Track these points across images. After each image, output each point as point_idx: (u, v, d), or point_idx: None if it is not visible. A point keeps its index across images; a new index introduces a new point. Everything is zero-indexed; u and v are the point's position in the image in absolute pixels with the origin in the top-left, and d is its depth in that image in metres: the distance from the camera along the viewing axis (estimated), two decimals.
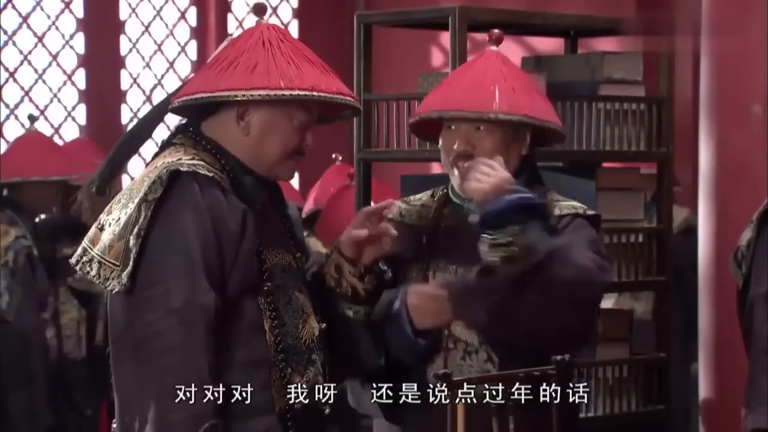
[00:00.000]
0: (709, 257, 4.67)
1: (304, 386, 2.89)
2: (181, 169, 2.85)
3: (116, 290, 2.81)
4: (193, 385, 2.74)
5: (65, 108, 7.92)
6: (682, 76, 5.68)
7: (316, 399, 2.91)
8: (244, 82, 2.89)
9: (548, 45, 5.33)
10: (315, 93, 2.89)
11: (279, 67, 2.90)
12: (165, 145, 2.99)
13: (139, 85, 8.14)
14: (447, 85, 3.33)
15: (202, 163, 2.89)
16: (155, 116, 3.06)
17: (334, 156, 5.73)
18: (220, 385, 2.79)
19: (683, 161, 5.20)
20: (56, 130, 7.83)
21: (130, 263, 2.79)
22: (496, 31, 3.30)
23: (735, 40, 4.49)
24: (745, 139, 4.48)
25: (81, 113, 7.94)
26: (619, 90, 4.47)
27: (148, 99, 8.10)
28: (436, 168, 5.61)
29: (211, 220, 2.83)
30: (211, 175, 2.88)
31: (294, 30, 8.27)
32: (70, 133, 7.87)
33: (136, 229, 2.81)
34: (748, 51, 4.46)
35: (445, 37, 4.19)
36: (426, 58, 6.56)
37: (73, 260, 2.88)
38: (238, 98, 2.88)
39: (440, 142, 3.27)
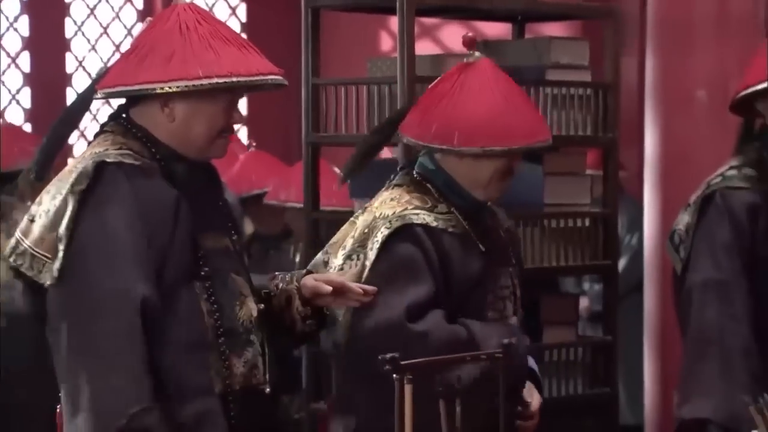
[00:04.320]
0: (654, 242, 4.72)
1: (243, 367, 2.91)
2: (107, 160, 2.88)
3: (48, 283, 2.82)
4: (124, 371, 2.77)
5: (9, 91, 7.86)
6: (628, 61, 5.73)
7: (256, 379, 2.94)
8: (161, 73, 2.90)
9: (495, 30, 5.35)
10: (234, 78, 2.90)
11: (196, 54, 2.90)
12: (97, 134, 3.00)
13: (84, 69, 8.08)
14: (505, 114, 3.09)
15: (129, 152, 2.91)
16: (83, 102, 3.07)
17: (248, 142, 5.71)
18: (159, 369, 2.81)
19: (629, 146, 5.24)
20: (0, 114, 7.77)
21: (60, 256, 2.81)
22: (470, 34, 3.29)
23: (680, 27, 4.53)
24: (690, 125, 4.53)
25: (25, 97, 7.88)
26: (565, 75, 4.49)
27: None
28: (385, 152, 5.62)
29: (138, 210, 2.84)
30: (138, 164, 2.89)
31: (242, 13, 8.24)
32: (15, 116, 7.80)
33: (65, 222, 2.83)
34: (693, 37, 4.50)
35: (394, 22, 4.20)
36: (374, 42, 6.56)
37: (6, 252, 2.90)
38: (155, 91, 2.89)
39: (477, 165, 3.13)
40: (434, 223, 3.04)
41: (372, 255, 3.02)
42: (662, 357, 4.61)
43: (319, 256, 3.16)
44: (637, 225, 5.82)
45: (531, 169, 4.50)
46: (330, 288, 3.01)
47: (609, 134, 4.56)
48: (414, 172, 3.20)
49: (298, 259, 5.12)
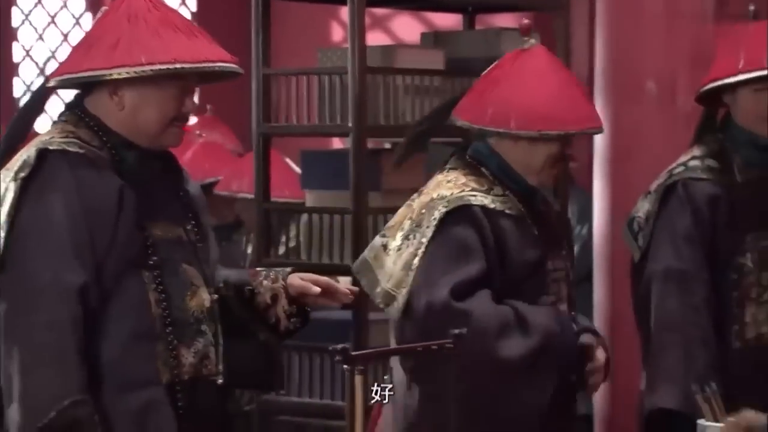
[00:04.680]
0: (604, 232, 4.75)
1: (193, 357, 2.90)
2: (50, 147, 2.86)
3: None
4: (56, 363, 2.76)
5: None
6: (578, 53, 5.75)
7: (207, 370, 2.93)
8: (105, 60, 2.88)
9: (447, 21, 5.36)
10: (178, 65, 2.88)
11: (141, 42, 2.88)
12: (54, 123, 2.99)
13: (31, 58, 8.01)
14: (560, 99, 3.08)
15: (76, 140, 2.89)
16: (41, 91, 3.06)
17: (198, 132, 5.69)
18: (102, 360, 2.81)
19: (579, 138, 5.24)
20: None
21: (1, 243, 2.80)
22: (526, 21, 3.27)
23: (629, 18, 4.55)
24: (639, 116, 4.55)
25: None
26: None
27: (41, 72, 7.98)
28: (336, 143, 5.62)
29: (80, 199, 2.83)
30: (82, 152, 2.87)
31: (192, 3, 8.20)
32: None
33: (5, 208, 2.82)
34: (642, 28, 4.53)
35: (345, 12, 4.19)
36: (325, 32, 6.55)
37: None
38: (99, 78, 2.88)
39: (531, 149, 3.11)
40: (492, 205, 3.04)
41: (429, 233, 3.01)
42: (611, 346, 4.63)
43: (377, 239, 3.14)
44: (587, 215, 5.84)
45: None
46: (318, 289, 3.02)
47: None
48: (467, 156, 3.16)
49: (249, 250, 5.11)
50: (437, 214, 3.01)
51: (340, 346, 3.56)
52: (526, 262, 3.05)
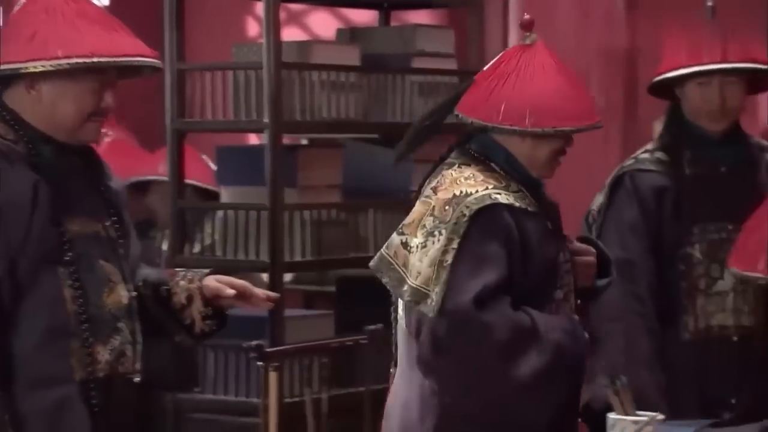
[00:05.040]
0: None
1: (109, 355, 2.89)
2: None
3: None
4: None
5: None
6: (493, 49, 5.77)
7: (124, 367, 2.91)
8: (22, 53, 2.85)
9: (362, 17, 5.36)
10: (95, 58, 2.85)
11: (58, 34, 2.85)
12: None
13: None
14: (571, 95, 3.05)
15: None
16: None
17: (104, 131, 5.62)
18: (14, 356, 2.77)
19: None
20: None
21: None
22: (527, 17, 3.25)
23: (541, 15, 4.58)
24: None
25: None
26: (431, 63, 4.52)
27: None
28: (252, 139, 5.59)
29: None
30: None
31: None
32: None
33: None
34: (555, 25, 4.56)
35: (260, 7, 4.18)
36: (240, 28, 6.53)
37: None
38: (15, 71, 2.85)
39: (537, 144, 3.06)
40: (516, 203, 3.00)
41: (460, 230, 2.95)
42: None
43: (395, 237, 3.03)
44: None
45: None
46: (232, 291, 2.99)
47: None
48: (471, 151, 3.10)
49: (165, 246, 5.07)
50: (467, 212, 2.94)
51: (254, 342, 3.56)
52: (546, 258, 3.01)
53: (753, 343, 3.42)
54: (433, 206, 2.98)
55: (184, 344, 3.12)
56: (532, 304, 2.93)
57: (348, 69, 4.34)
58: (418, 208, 3.03)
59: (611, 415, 2.71)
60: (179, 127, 4.35)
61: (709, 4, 3.57)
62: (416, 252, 2.93)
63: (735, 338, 3.44)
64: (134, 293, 2.98)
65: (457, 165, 3.06)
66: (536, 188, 3.06)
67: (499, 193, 2.96)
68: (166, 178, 4.47)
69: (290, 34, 5.46)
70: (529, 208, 2.99)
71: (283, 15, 4.11)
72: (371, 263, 3.06)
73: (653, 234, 3.46)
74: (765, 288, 3.28)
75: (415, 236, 2.96)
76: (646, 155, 3.55)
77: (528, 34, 3.09)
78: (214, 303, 3.02)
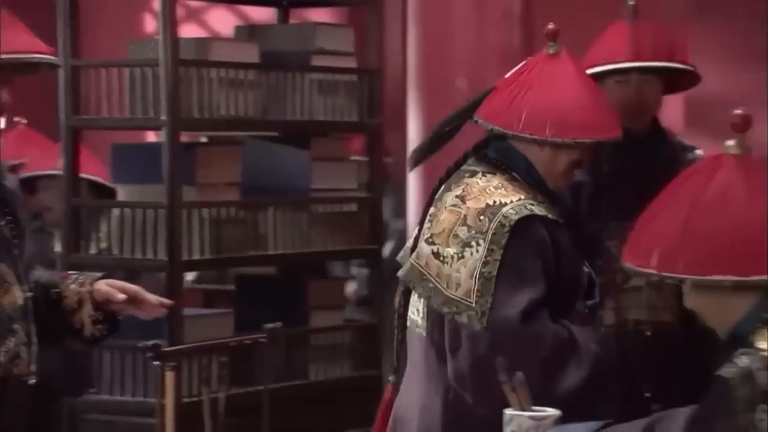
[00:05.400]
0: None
1: (3, 357, 2.84)
2: None
3: None
4: None
5: None
6: (393, 48, 5.79)
7: (18, 369, 2.87)
8: None
9: (261, 14, 5.34)
10: None
11: None
12: None
13: None
14: (592, 106, 3.05)
15: None
16: None
17: (16, 119, 5.52)
18: None
19: (394, 132, 5.29)
20: None
21: None
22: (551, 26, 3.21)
23: (439, 16, 4.60)
24: (450, 112, 4.60)
25: None
26: (330, 61, 4.52)
27: None
28: (150, 136, 5.54)
29: None
30: None
31: None
32: None
33: None
34: (452, 26, 4.58)
35: (157, 3, 4.14)
36: (138, 24, 6.47)
37: None
38: None
39: (556, 155, 3.05)
40: (549, 215, 2.98)
41: (502, 241, 2.87)
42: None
43: (425, 246, 2.94)
44: (403, 210, 5.90)
45: (297, 154, 4.51)
46: (123, 296, 2.95)
47: (374, 120, 4.60)
48: (491, 158, 3.07)
49: (58, 247, 4.99)
50: (506, 222, 2.88)
51: (151, 342, 3.52)
52: (574, 270, 3.02)
53: (667, 338, 3.47)
54: (465, 215, 2.92)
55: (75, 348, 3.08)
56: (560, 315, 2.91)
57: (247, 66, 4.31)
58: (446, 216, 2.95)
59: (508, 411, 2.72)
60: (74, 124, 4.29)
61: (631, 2, 3.61)
62: (453, 262, 2.88)
63: (649, 333, 3.49)
64: (29, 294, 2.94)
65: (480, 173, 3.01)
66: (553, 198, 3.05)
67: (533, 204, 2.94)
68: (60, 172, 4.39)
69: (188, 30, 5.43)
70: (559, 219, 2.98)
71: (181, 12, 4.08)
72: (401, 273, 3.01)
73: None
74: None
75: (448, 246, 2.90)
76: None
77: (552, 43, 3.06)
78: (104, 308, 2.98)
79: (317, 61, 4.49)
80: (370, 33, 4.55)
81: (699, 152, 3.58)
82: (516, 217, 2.88)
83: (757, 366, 2.16)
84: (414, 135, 4.73)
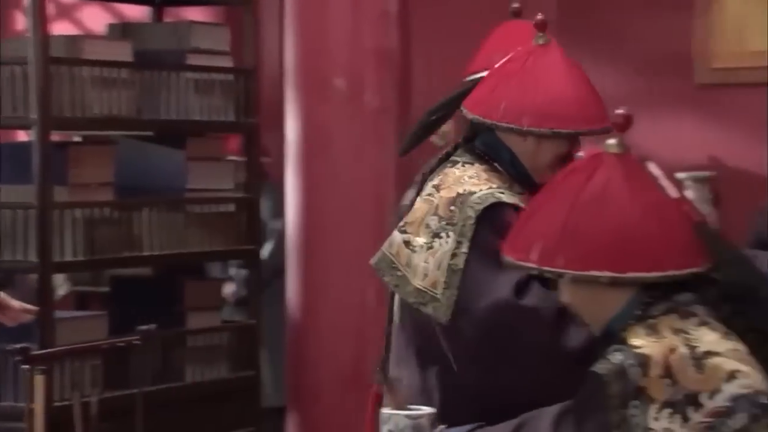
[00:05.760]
0: (297, 226, 4.77)
1: None
2: None
3: None
4: None
5: None
6: (270, 48, 5.76)
7: None
8: None
9: (134, 12, 5.28)
10: None
11: None
12: None
13: None
14: (574, 98, 3.00)
15: None
16: None
17: None
18: None
19: (272, 132, 5.27)
20: None
21: None
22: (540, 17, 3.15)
23: (316, 14, 4.59)
24: (328, 111, 4.60)
25: None
26: (206, 60, 4.48)
27: None
28: (21, 135, 5.43)
29: None
30: None
31: None
32: None
33: None
34: (329, 25, 4.57)
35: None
36: (7, 21, 6.35)
37: None
38: None
39: (539, 147, 3.00)
40: (520, 204, 2.92)
41: (468, 233, 2.84)
42: (302, 339, 4.67)
43: (397, 234, 2.94)
44: (281, 210, 5.88)
45: (172, 154, 4.46)
46: None
47: (250, 120, 4.58)
48: (477, 150, 3.03)
49: None
50: (472, 213, 2.88)
51: (19, 345, 3.44)
52: None
53: None
54: (437, 205, 2.91)
55: None
56: None
57: (120, 65, 4.26)
58: (420, 206, 2.96)
59: (385, 411, 2.72)
60: None
61: (516, 5, 3.64)
62: (421, 252, 2.87)
63: None
64: None
65: (460, 163, 3.00)
66: (536, 190, 2.93)
67: (503, 193, 2.91)
68: None
69: (60, 28, 5.33)
70: None
71: (52, 9, 4.01)
72: (372, 260, 2.98)
73: None
74: None
75: (418, 235, 2.89)
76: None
77: (540, 34, 3.02)
78: None
79: (192, 60, 4.45)
80: (246, 32, 4.52)
81: (580, 153, 3.62)
82: (481, 207, 2.87)
83: (630, 362, 2.18)
84: (292, 135, 4.71)
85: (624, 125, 2.37)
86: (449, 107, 3.16)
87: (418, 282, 2.89)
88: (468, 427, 2.61)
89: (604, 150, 2.39)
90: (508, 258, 2.39)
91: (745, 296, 2.25)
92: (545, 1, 4.64)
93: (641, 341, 2.20)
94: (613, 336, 2.27)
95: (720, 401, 2.12)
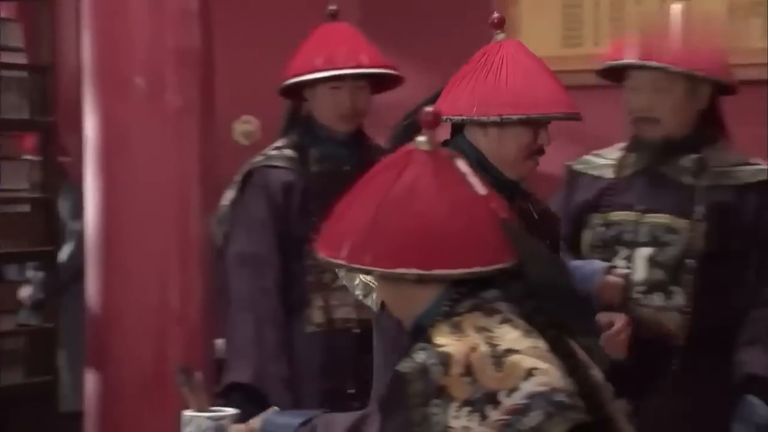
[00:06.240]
0: (97, 227, 4.69)
1: None
2: None
3: None
4: None
5: None
6: (68, 45, 5.65)
7: None
8: None
9: None
10: None
11: None
12: None
13: None
14: (526, 86, 2.99)
15: None
16: None
17: None
18: None
19: (71, 131, 5.17)
20: None
21: None
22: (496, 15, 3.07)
23: (115, 12, 4.52)
24: (128, 111, 4.53)
25: None
26: None
27: None
28: None
29: None
30: None
31: None
32: None
33: None
34: (128, 23, 4.51)
35: None
36: None
37: None
38: None
39: (501, 138, 2.99)
40: None
41: None
42: (103, 341, 4.60)
43: None
44: (80, 211, 5.77)
45: None
46: None
47: (47, 118, 4.49)
48: (449, 150, 2.99)
49: None
50: None
51: None
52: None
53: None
54: None
55: None
56: None
57: None
58: None
59: (186, 413, 2.69)
60: None
61: (332, 8, 3.66)
62: None
63: (357, 331, 3.55)
64: None
65: None
66: (510, 190, 2.99)
67: None
68: None
69: None
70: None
71: None
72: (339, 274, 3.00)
73: (281, 229, 3.54)
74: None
75: None
76: (275, 152, 3.63)
77: (498, 31, 3.03)
78: None
79: None
80: (41, 29, 4.42)
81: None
82: None
83: (432, 361, 2.20)
84: (91, 134, 4.61)
85: (433, 123, 2.39)
86: (416, 114, 3.17)
87: (362, 275, 2.89)
88: (311, 412, 2.57)
89: (414, 147, 2.38)
90: (320, 254, 2.38)
91: (547, 292, 2.28)
92: (349, 2, 4.67)
93: (444, 339, 2.22)
94: (422, 332, 2.29)
95: (517, 399, 2.14)
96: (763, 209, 3.31)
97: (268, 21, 5.29)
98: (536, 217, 3.09)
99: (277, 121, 3.82)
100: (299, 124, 3.66)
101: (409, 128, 3.27)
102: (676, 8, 3.46)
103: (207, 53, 4.64)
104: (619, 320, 3.18)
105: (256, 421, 2.54)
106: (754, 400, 3.22)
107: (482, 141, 2.99)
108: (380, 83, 3.70)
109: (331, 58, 3.57)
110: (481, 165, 2.99)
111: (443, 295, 2.30)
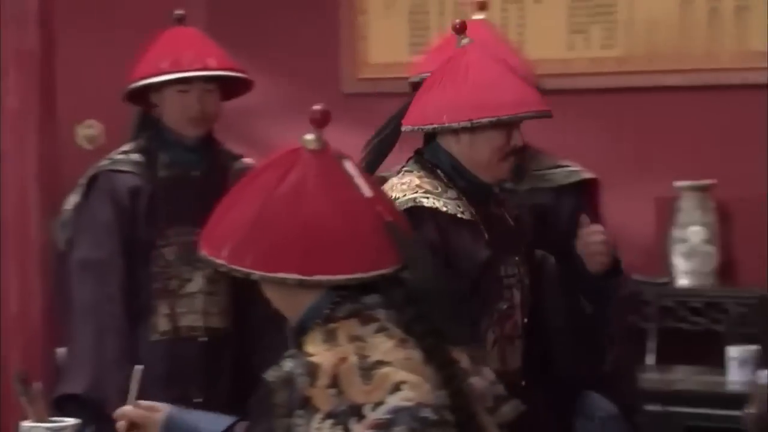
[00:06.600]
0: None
1: None
2: None
3: None
4: None
5: None
6: None
7: None
8: None
9: None
10: None
11: None
12: None
13: None
14: (492, 88, 2.97)
15: None
16: None
17: None
18: None
19: None
20: None
21: None
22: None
23: None
24: None
25: None
26: None
27: None
28: None
29: None
30: None
31: None
32: None
33: None
34: None
35: None
36: None
37: None
38: None
39: (473, 143, 2.98)
40: (444, 208, 2.92)
41: None
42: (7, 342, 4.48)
43: None
44: None
45: None
46: None
47: None
48: (424, 158, 3.02)
49: None
50: None
51: None
52: (476, 266, 2.94)
53: (220, 344, 3.50)
54: None
55: None
56: (475, 312, 2.89)
57: None
58: None
59: (24, 424, 2.63)
60: None
61: (179, 12, 3.62)
62: None
63: (203, 339, 3.50)
64: None
65: (403, 172, 3.02)
66: (484, 195, 3.00)
67: (427, 197, 2.93)
68: None
69: None
70: (461, 216, 2.94)
71: None
72: None
73: (127, 234, 3.47)
74: (233, 290, 3.44)
75: None
76: (121, 156, 3.55)
77: (460, 36, 3.03)
78: None
79: None
80: None
81: (248, 160, 3.65)
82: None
83: (298, 371, 2.15)
84: None
85: (322, 121, 2.32)
86: (391, 125, 3.16)
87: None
88: (228, 420, 2.49)
89: (302, 145, 2.30)
90: (203, 253, 2.30)
91: (427, 299, 2.25)
92: (195, 6, 4.63)
93: (315, 348, 2.17)
94: (302, 334, 2.23)
95: (381, 413, 2.10)
96: (577, 211, 3.36)
97: (114, 25, 5.22)
98: (512, 223, 3.10)
99: (121, 126, 3.76)
100: (149, 128, 3.60)
101: (382, 144, 3.28)
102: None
103: (47, 56, 4.56)
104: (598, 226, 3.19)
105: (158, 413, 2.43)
106: (593, 395, 3.28)
107: (455, 147, 3.01)
108: (230, 89, 3.66)
109: (178, 60, 3.53)
110: (456, 171, 3.03)
111: (325, 298, 2.24)
